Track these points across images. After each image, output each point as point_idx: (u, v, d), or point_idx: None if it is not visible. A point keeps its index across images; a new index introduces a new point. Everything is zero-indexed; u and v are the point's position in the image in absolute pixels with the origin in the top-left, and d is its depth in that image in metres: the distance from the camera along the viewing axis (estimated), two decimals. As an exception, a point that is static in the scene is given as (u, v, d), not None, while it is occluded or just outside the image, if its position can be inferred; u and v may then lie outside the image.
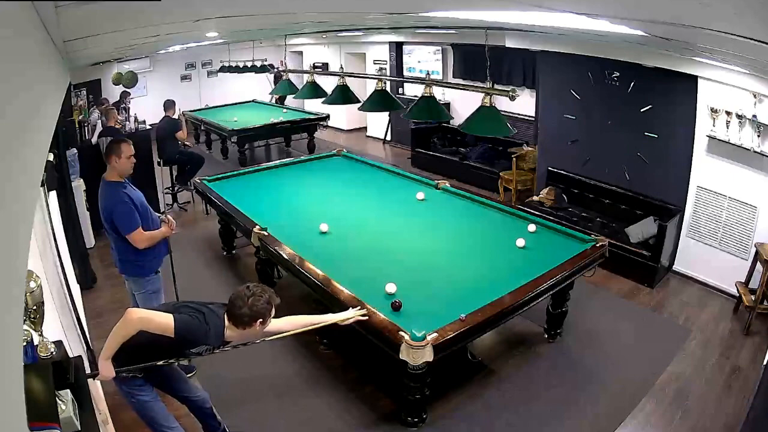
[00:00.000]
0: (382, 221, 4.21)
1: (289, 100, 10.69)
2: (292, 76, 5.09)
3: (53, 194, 3.63)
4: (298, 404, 3.15)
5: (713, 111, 4.19)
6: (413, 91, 9.04)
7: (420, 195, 4.66)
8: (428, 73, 4.35)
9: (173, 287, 3.50)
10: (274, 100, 11.08)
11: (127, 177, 3.13)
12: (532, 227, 3.85)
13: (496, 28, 3.99)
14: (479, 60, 7.84)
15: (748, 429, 2.52)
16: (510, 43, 5.64)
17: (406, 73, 9.39)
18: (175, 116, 6.65)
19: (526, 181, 6.53)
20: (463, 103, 8.16)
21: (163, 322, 2.09)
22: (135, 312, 2.12)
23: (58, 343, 1.59)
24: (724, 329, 3.94)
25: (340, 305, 2.93)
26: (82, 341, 2.64)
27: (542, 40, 5.25)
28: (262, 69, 8.19)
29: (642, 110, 4.81)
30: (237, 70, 8.39)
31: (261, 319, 2.18)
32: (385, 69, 9.74)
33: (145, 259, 3.15)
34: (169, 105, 6.69)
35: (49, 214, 2.91)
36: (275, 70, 10.04)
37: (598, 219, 5.27)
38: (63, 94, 3.12)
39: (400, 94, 9.26)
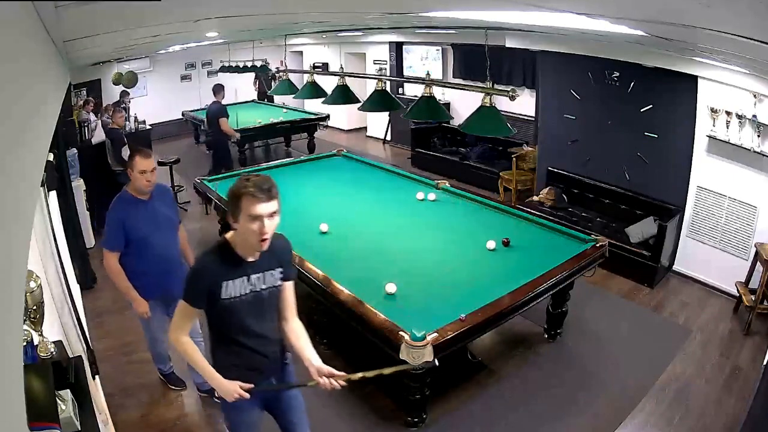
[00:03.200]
0: (382, 221, 4.21)
1: (289, 100, 10.69)
2: (292, 76, 5.09)
3: (53, 194, 3.63)
4: (298, 404, 3.15)
5: (713, 111, 4.19)
6: (413, 91, 9.04)
7: (420, 195, 4.66)
8: (428, 73, 4.35)
9: None
10: (257, 96, 11.15)
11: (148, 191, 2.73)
12: (491, 244, 3.63)
13: (496, 28, 3.99)
14: (479, 60, 7.84)
15: (748, 429, 2.52)
16: (510, 43, 5.63)
17: (406, 73, 9.40)
18: (224, 102, 6.80)
19: (526, 181, 6.53)
20: (463, 103, 8.15)
21: (180, 311, 1.88)
22: (173, 336, 1.91)
23: (58, 343, 1.59)
24: (724, 329, 3.94)
25: (340, 305, 2.93)
26: (82, 341, 2.64)
27: (542, 40, 5.25)
28: (262, 69, 8.20)
29: (642, 110, 4.81)
30: (237, 70, 8.39)
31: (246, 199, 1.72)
32: (385, 69, 9.74)
33: (132, 279, 2.78)
34: (217, 89, 6.90)
35: (49, 214, 2.90)
36: (270, 72, 10.09)
37: (598, 219, 5.27)
38: (63, 94, 3.12)
39: (400, 94, 9.26)
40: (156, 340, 3.09)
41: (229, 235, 1.88)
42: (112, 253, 2.70)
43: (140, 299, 2.77)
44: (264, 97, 11.09)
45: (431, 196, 4.73)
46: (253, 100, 11.05)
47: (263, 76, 10.60)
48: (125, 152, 5.78)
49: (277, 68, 10.51)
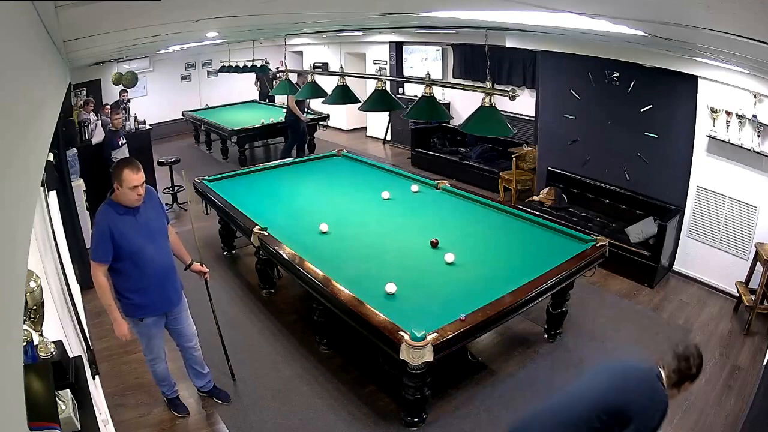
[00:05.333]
0: (382, 221, 4.21)
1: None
2: (292, 76, 5.08)
3: (53, 194, 3.63)
4: (298, 404, 3.15)
5: (713, 111, 4.19)
6: (413, 91, 9.04)
7: (385, 194, 4.70)
8: (428, 73, 4.35)
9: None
10: (258, 96, 11.18)
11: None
12: (449, 257, 3.45)
13: (496, 28, 3.99)
14: (479, 60, 7.84)
15: (748, 429, 2.52)
16: (510, 43, 5.64)
17: (406, 73, 9.39)
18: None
19: (526, 181, 6.53)
20: (463, 103, 8.16)
21: None
22: None
23: (58, 343, 1.59)
24: (724, 329, 3.94)
25: (340, 305, 2.93)
26: (82, 341, 2.64)
27: (542, 40, 5.25)
28: (262, 69, 8.21)
29: (642, 110, 4.80)
30: (237, 70, 8.40)
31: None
32: (385, 69, 9.74)
33: (122, 297, 2.66)
34: (299, 74, 7.26)
35: (49, 214, 2.90)
36: (270, 72, 10.13)
37: (598, 219, 5.27)
38: (63, 94, 3.11)
39: (400, 94, 9.26)
40: (158, 359, 2.92)
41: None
42: (100, 265, 2.52)
43: (121, 320, 2.59)
44: (266, 97, 11.09)
45: (414, 187, 4.83)
46: (253, 100, 11.04)
47: (264, 76, 10.61)
48: (117, 154, 5.77)
49: (277, 68, 10.52)
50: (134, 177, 2.47)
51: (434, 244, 3.64)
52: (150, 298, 2.65)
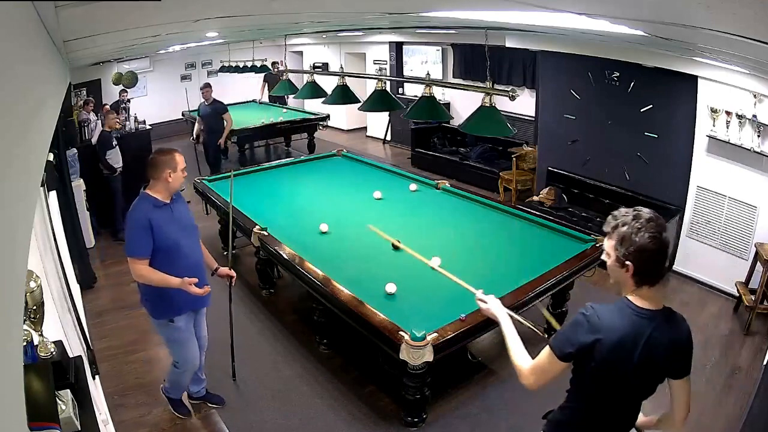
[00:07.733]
0: (383, 221, 4.20)
1: (289, 100, 10.68)
2: (292, 76, 5.08)
3: (53, 194, 3.63)
4: (298, 404, 3.15)
5: (713, 111, 4.19)
6: (413, 91, 9.04)
7: (377, 194, 4.69)
8: (428, 73, 4.36)
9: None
10: (267, 99, 11.09)
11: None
12: (435, 261, 3.39)
13: (496, 28, 3.99)
14: (479, 60, 7.84)
15: (748, 429, 2.52)
16: (510, 43, 5.64)
17: (406, 73, 9.40)
18: (223, 101, 7.10)
19: (526, 181, 6.53)
20: (463, 103, 8.16)
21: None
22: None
23: (58, 343, 1.59)
24: (724, 329, 3.94)
25: (340, 305, 2.93)
26: (82, 341, 2.64)
27: (542, 40, 5.25)
28: (262, 69, 8.21)
29: (642, 110, 4.81)
30: (237, 70, 8.40)
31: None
32: (385, 69, 9.74)
33: (152, 297, 2.61)
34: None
35: (49, 214, 2.90)
36: (276, 71, 10.07)
37: (598, 219, 5.26)
38: (63, 94, 3.11)
39: (400, 94, 9.26)
40: (191, 369, 2.87)
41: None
42: (140, 260, 2.43)
43: (185, 279, 2.46)
44: (275, 99, 11.01)
45: (412, 186, 4.83)
46: (253, 100, 11.02)
47: (271, 78, 10.54)
48: (111, 155, 5.73)
49: (277, 68, 10.49)
50: (182, 159, 2.58)
51: (395, 247, 3.57)
52: (182, 294, 2.51)
